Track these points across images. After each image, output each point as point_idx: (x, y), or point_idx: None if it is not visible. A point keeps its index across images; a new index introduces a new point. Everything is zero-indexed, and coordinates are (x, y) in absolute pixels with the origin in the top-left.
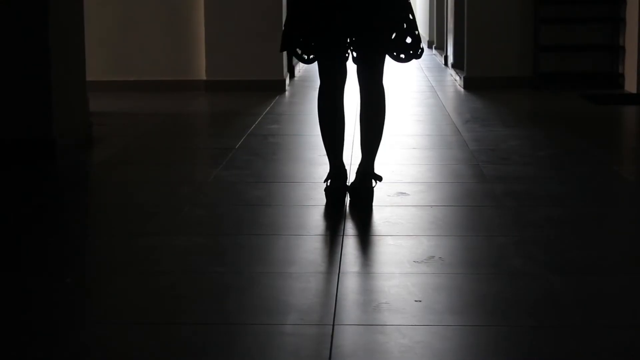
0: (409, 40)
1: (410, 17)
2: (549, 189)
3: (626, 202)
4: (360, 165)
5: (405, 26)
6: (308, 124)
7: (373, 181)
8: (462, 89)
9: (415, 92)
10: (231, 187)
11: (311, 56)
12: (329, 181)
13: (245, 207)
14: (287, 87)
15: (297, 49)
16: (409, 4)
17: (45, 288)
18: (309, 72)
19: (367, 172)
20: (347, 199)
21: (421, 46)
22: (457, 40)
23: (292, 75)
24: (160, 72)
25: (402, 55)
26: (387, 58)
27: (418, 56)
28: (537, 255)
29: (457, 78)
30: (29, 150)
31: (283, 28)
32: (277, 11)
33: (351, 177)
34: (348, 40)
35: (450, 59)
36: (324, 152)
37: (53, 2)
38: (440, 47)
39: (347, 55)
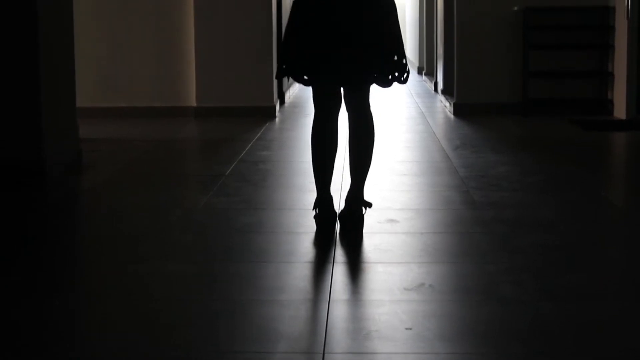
0: (394, 64)
1: (398, 42)
2: (538, 215)
3: (616, 228)
4: (349, 191)
5: (391, 51)
6: (298, 151)
7: (363, 208)
8: (451, 115)
9: (405, 118)
10: (221, 214)
11: (306, 77)
12: (318, 208)
13: (235, 234)
14: (277, 114)
15: (297, 74)
16: (399, 28)
17: (33, 313)
18: (299, 99)
19: (356, 198)
20: (337, 226)
21: (407, 70)
22: (447, 67)
23: (282, 102)
24: (151, 98)
25: (388, 79)
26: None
27: (403, 81)
28: (527, 282)
29: (447, 104)
30: (18, 175)
31: (280, 54)
32: (268, 38)
33: (341, 204)
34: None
35: (440, 85)
36: (314, 178)
37: (43, 28)
38: (430, 73)
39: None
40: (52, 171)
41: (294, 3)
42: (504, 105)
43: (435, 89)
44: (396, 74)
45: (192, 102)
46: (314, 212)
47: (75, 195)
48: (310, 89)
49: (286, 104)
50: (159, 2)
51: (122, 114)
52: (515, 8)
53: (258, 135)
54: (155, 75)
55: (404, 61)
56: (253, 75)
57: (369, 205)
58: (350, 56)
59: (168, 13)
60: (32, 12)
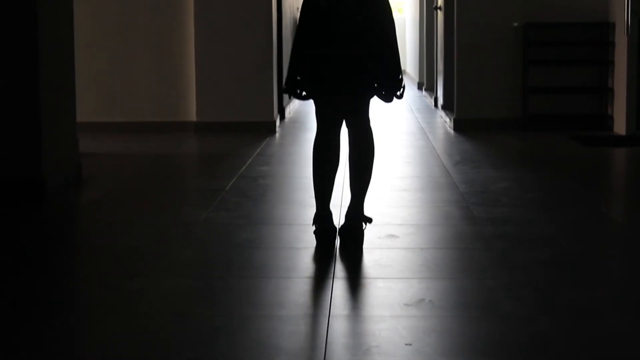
0: (392, 80)
1: (396, 58)
2: (538, 231)
3: (615, 244)
4: (349, 207)
5: (390, 67)
6: (298, 166)
7: (363, 223)
8: (451, 131)
9: (405, 133)
10: (221, 229)
11: (304, 93)
12: (318, 223)
13: (235, 249)
14: (277, 129)
15: (299, 91)
16: (396, 45)
17: (33, 330)
18: (299, 114)
19: (357, 214)
20: (337, 241)
21: (403, 86)
22: (447, 82)
23: (282, 117)
24: (151, 113)
25: (389, 95)
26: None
27: (399, 97)
28: (527, 297)
29: (447, 119)
30: (17, 190)
31: (287, 72)
32: (268, 54)
33: (340, 219)
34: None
35: (440, 101)
36: (314, 193)
37: (43, 43)
38: (430, 88)
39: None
40: (51, 185)
41: (299, 20)
42: (504, 120)
43: (435, 105)
44: (397, 92)
45: (192, 117)
46: (313, 228)
47: (75, 210)
48: (310, 104)
49: (286, 119)
50: (159, 17)
51: (122, 128)
52: (515, 24)
53: (258, 150)
54: (156, 90)
55: (401, 76)
56: (253, 91)
57: (369, 220)
58: (351, 72)
59: (168, 28)
60: (32, 27)
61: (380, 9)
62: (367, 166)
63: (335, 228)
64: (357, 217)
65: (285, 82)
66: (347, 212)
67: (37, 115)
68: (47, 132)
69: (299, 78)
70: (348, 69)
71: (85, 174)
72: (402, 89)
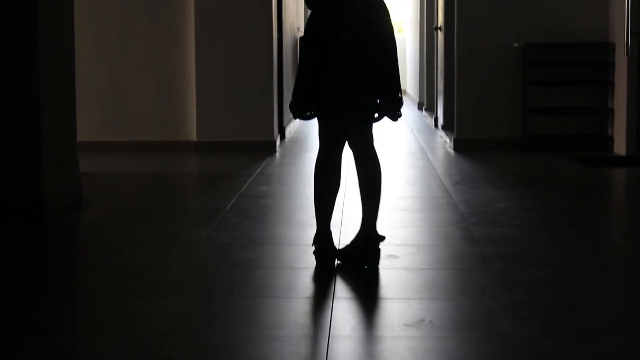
0: (392, 100)
1: (397, 77)
2: (538, 252)
3: (616, 265)
4: (362, 227)
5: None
6: (298, 186)
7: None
8: (452, 151)
9: (406, 153)
10: (221, 249)
11: (308, 113)
12: (318, 243)
13: (235, 269)
14: (277, 148)
15: (304, 112)
16: (397, 65)
17: (34, 350)
18: (299, 134)
19: (371, 233)
20: (336, 261)
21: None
22: (447, 102)
23: (282, 137)
24: (151, 133)
25: (376, 115)
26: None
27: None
28: (527, 318)
29: (447, 140)
30: (18, 210)
31: (292, 94)
32: (268, 73)
33: (341, 239)
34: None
35: (441, 121)
36: (314, 214)
37: (44, 62)
38: (431, 108)
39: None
40: (51, 205)
41: (305, 40)
42: (504, 141)
43: (436, 125)
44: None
45: (193, 136)
46: (313, 248)
47: (75, 230)
48: (310, 124)
49: (286, 139)
50: (160, 37)
51: (123, 148)
52: (515, 44)
53: (258, 170)
54: (156, 110)
55: (400, 95)
56: (253, 110)
57: (383, 238)
58: (355, 92)
59: (169, 47)
60: (33, 46)
61: (383, 30)
62: (375, 186)
63: (335, 248)
64: (373, 236)
65: (291, 104)
66: (360, 232)
67: (38, 134)
68: (47, 152)
69: (303, 99)
70: (351, 88)
71: (86, 193)
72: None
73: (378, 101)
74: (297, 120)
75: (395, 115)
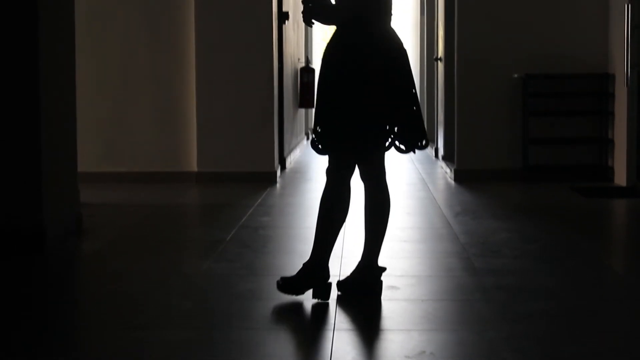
0: (412, 131)
1: (415, 108)
2: (539, 283)
3: (617, 296)
4: (363, 258)
5: (408, 118)
6: (299, 216)
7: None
8: (452, 181)
9: (406, 184)
10: (222, 280)
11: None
12: (315, 273)
13: (236, 300)
14: (278, 179)
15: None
16: (415, 96)
17: None
18: (300, 164)
19: (373, 265)
20: (337, 293)
21: (425, 137)
22: (448, 133)
23: (283, 167)
24: (152, 163)
25: (402, 147)
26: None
27: (422, 147)
28: (528, 350)
29: (448, 170)
30: (17, 240)
31: (322, 128)
32: (269, 104)
33: (342, 270)
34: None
35: (441, 152)
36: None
37: (45, 92)
38: (431, 139)
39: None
40: (52, 236)
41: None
42: (505, 171)
43: (436, 155)
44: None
45: (193, 167)
46: (280, 280)
47: (75, 261)
48: (314, 155)
49: (287, 170)
50: (160, 68)
51: (123, 179)
52: (516, 75)
53: (259, 200)
54: (156, 141)
55: (423, 125)
56: (254, 141)
57: (384, 269)
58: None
59: (169, 78)
60: (34, 76)
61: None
62: (382, 220)
63: (330, 283)
64: (375, 268)
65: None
66: (363, 264)
67: (38, 165)
68: (47, 182)
69: (319, 129)
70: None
71: (86, 224)
72: (424, 141)
73: (387, 128)
74: (298, 150)
75: (400, 149)
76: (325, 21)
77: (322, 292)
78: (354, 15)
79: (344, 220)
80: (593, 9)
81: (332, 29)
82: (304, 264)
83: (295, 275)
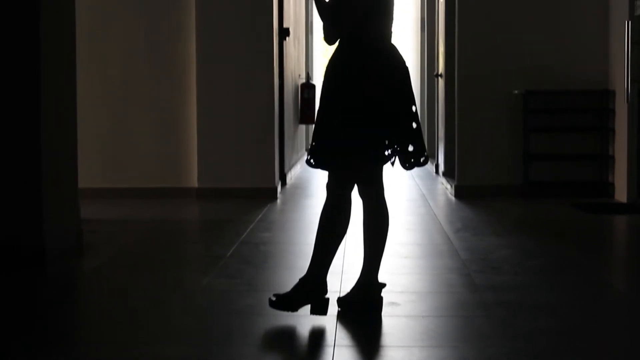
0: (411, 148)
1: (414, 125)
2: (540, 299)
3: (618, 313)
4: (363, 275)
5: (408, 135)
6: (299, 232)
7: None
8: (453, 197)
9: (407, 200)
10: (222, 296)
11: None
12: (312, 289)
13: (236, 316)
14: (278, 195)
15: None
16: (415, 113)
17: None
18: (300, 180)
19: (374, 281)
20: (337, 309)
21: (425, 153)
22: (448, 149)
23: (283, 183)
24: (152, 179)
25: (407, 163)
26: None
27: (421, 164)
28: None
29: (448, 186)
30: (18, 257)
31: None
32: (269, 120)
33: (342, 285)
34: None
35: (442, 168)
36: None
37: (45, 107)
38: (431, 155)
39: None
40: (53, 252)
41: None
42: (505, 187)
43: (437, 171)
44: (412, 158)
45: (194, 183)
46: (273, 297)
47: (76, 277)
48: (313, 170)
49: (288, 186)
50: (161, 83)
51: (124, 194)
52: (516, 91)
53: (259, 216)
54: (157, 157)
55: (421, 141)
56: (254, 157)
57: (384, 285)
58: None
59: (170, 94)
60: (35, 91)
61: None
62: (381, 237)
63: (328, 298)
64: (372, 284)
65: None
66: (363, 281)
67: (39, 181)
68: (48, 198)
69: (318, 145)
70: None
71: (87, 240)
72: (424, 158)
73: (387, 144)
74: (299, 166)
75: (412, 163)
76: (327, 20)
77: (320, 307)
78: (353, 23)
79: (343, 235)
80: (593, 25)
81: (332, 47)
82: (300, 279)
83: (291, 290)
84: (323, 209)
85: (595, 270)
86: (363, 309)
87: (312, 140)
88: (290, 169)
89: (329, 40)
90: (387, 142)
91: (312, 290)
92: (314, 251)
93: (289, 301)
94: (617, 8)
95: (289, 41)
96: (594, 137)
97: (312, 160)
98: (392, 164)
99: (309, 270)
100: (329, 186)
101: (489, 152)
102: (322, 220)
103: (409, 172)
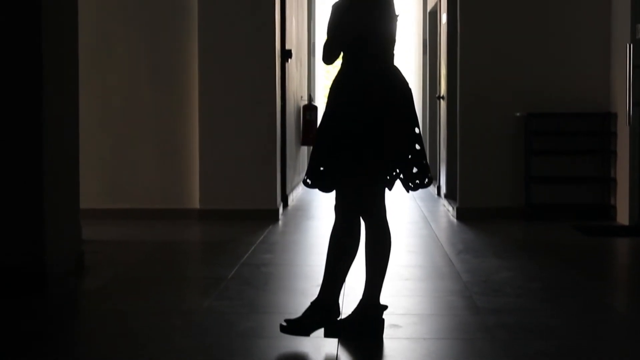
0: (415, 170)
1: (417, 147)
2: (541, 321)
3: (619, 335)
4: (364, 298)
5: (411, 157)
6: (301, 254)
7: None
8: (454, 220)
9: (408, 222)
10: (223, 318)
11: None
12: (321, 311)
13: (237, 338)
14: (280, 217)
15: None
16: (418, 134)
17: None
18: (302, 202)
19: (375, 303)
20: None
21: (429, 175)
22: (450, 171)
23: (285, 205)
24: (154, 200)
25: (411, 184)
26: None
27: (425, 185)
28: None
29: (450, 208)
30: (19, 278)
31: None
32: (271, 141)
33: (342, 307)
34: None
35: (443, 190)
36: (317, 282)
37: (47, 130)
38: (433, 177)
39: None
40: (53, 273)
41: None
42: (507, 210)
43: (438, 193)
44: (417, 180)
45: (196, 204)
46: (284, 323)
47: (77, 298)
48: (314, 193)
49: (289, 207)
50: (163, 104)
51: (125, 216)
52: (518, 114)
53: (261, 238)
54: (159, 178)
55: (424, 162)
56: (256, 178)
57: (385, 307)
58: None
59: (172, 115)
60: (36, 113)
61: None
62: (383, 259)
63: (341, 320)
64: (374, 306)
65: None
66: (364, 303)
67: (40, 202)
68: (49, 219)
69: (322, 169)
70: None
71: (88, 261)
72: (427, 179)
73: (390, 166)
74: (300, 188)
75: (409, 187)
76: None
77: (334, 330)
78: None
79: (354, 257)
80: (595, 48)
81: (334, 68)
82: (312, 303)
83: (303, 315)
84: (332, 231)
85: (596, 293)
86: (365, 331)
87: (310, 160)
88: (292, 190)
89: (325, 60)
90: (389, 165)
91: (324, 314)
92: (324, 274)
93: (302, 325)
94: (619, 31)
95: (291, 63)
96: (596, 159)
97: (308, 180)
98: (390, 188)
99: (320, 294)
100: (336, 208)
101: (490, 175)
102: (332, 242)
103: (410, 194)
